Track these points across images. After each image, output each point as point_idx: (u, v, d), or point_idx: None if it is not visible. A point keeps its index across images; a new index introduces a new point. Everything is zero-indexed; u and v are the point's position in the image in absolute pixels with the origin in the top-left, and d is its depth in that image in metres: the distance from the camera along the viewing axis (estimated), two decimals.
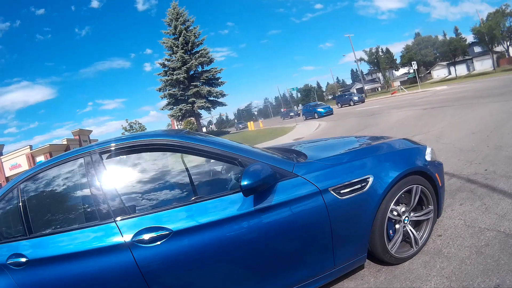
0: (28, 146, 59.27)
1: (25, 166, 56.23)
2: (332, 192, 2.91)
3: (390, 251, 3.28)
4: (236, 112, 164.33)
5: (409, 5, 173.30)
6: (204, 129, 68.14)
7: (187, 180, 3.82)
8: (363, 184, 3.03)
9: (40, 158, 56.47)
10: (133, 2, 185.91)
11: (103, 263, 2.62)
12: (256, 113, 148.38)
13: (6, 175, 57.61)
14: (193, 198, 2.90)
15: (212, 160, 3.57)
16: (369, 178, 3.07)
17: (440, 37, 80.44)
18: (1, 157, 59.51)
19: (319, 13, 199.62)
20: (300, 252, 2.97)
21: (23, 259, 2.73)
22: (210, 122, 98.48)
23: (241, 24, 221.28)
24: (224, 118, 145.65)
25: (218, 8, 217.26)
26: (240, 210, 2.72)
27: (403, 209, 3.40)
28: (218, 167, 3.95)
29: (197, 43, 47.42)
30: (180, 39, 45.87)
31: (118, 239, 2.61)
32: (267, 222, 2.77)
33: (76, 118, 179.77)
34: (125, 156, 3.25)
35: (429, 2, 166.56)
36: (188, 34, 46.31)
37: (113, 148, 3.00)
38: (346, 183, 2.97)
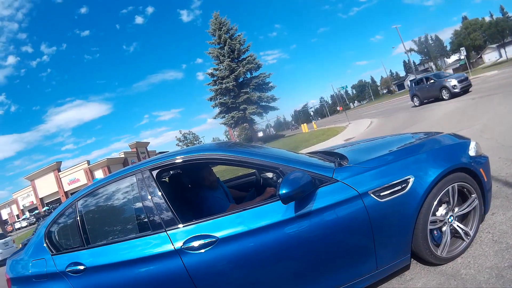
0: (86, 162, 62.30)
1: (83, 180, 59.02)
2: (372, 195, 2.90)
3: (438, 254, 3.23)
4: (293, 113, 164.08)
5: None
6: (260, 133, 68.67)
7: (236, 189, 4.30)
8: (403, 185, 2.99)
9: (98, 172, 59.09)
10: (177, 14, 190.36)
11: (155, 269, 2.86)
12: (312, 113, 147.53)
13: (65, 190, 60.78)
14: (237, 208, 3.07)
15: None
16: (409, 178, 3.02)
17: (487, 19, 76.48)
18: (60, 173, 62.51)
19: (365, 6, 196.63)
20: (342, 255, 2.99)
21: (81, 267, 3.04)
22: (268, 125, 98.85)
23: (288, 25, 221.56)
24: (282, 120, 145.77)
25: (264, 12, 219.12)
26: (282, 217, 2.81)
27: (446, 209, 3.32)
28: (269, 174, 4.17)
29: (243, 50, 48.29)
30: (226, 48, 46.87)
31: (168, 247, 2.83)
32: (308, 227, 2.82)
33: (133, 131, 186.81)
34: (175, 171, 3.84)
35: None
36: (233, 42, 47.27)
37: (161, 165, 3.23)
38: (386, 185, 2.95)
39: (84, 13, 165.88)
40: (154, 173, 3.16)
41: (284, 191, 2.64)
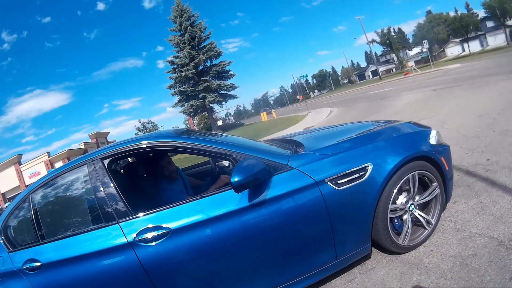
0: (46, 153, 60.40)
1: (44, 173, 56.66)
2: (329, 183, 2.86)
3: (400, 243, 3.22)
4: (253, 102, 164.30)
5: None
6: (220, 122, 68.42)
7: (193, 177, 4.25)
8: (361, 173, 2.96)
9: (59, 164, 57.36)
10: (139, 0, 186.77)
11: (109, 262, 2.76)
12: (272, 102, 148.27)
13: (26, 184, 58.71)
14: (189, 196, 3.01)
15: None
16: (368, 166, 2.99)
17: (452, 14, 78.22)
18: (20, 166, 60.59)
19: None
20: (299, 245, 2.94)
21: (37, 264, 2.91)
22: (228, 114, 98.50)
23: (251, 13, 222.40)
24: (242, 109, 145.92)
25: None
26: (236, 206, 2.74)
27: (406, 197, 3.31)
28: (225, 162, 4.10)
29: (204, 37, 47.86)
30: (186, 35, 46.37)
31: (121, 239, 2.73)
32: (263, 216, 2.77)
33: (93, 121, 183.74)
34: (124, 160, 3.72)
35: None
36: (193, 29, 46.80)
37: (112, 153, 3.10)
38: (344, 173, 2.91)
39: None
40: (106, 162, 3.05)
41: (236, 179, 2.57)
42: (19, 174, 60.36)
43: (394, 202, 3.15)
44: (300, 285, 2.96)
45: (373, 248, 3.43)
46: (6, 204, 56.55)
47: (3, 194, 62.29)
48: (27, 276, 2.94)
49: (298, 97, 73.04)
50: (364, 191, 2.96)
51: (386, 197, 3.05)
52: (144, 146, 3.07)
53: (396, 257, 3.30)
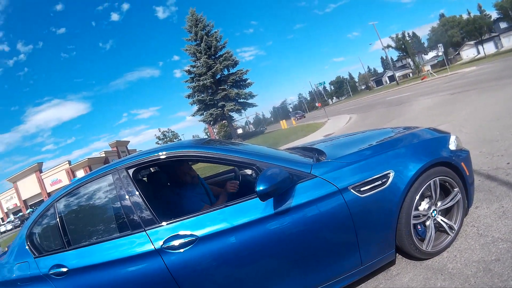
0: (67, 162, 61.48)
1: (65, 181, 58.24)
2: (352, 190, 2.88)
3: (423, 249, 3.21)
4: (272, 110, 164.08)
5: None
6: (240, 130, 68.46)
7: (216, 186, 4.33)
8: (384, 180, 2.97)
9: (80, 172, 58.35)
10: (152, 11, 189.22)
11: (137, 269, 2.82)
12: (291, 109, 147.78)
13: (48, 191, 59.85)
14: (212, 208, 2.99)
15: None
16: (390, 173, 3.00)
17: (465, 16, 77.36)
18: (41, 174, 61.57)
19: (341, 2, 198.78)
20: (324, 252, 2.96)
21: (64, 269, 2.99)
22: (247, 122, 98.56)
23: (264, 21, 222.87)
24: (261, 117, 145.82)
25: (240, 8, 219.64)
26: (261, 214, 2.78)
27: (429, 203, 3.31)
28: (248, 170, 4.21)
29: (220, 46, 48.12)
30: (202, 44, 46.79)
31: (149, 246, 2.79)
32: (288, 224, 2.80)
33: (112, 130, 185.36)
34: (151, 169, 3.84)
35: None
36: (209, 39, 47.08)
37: (136, 163, 3.19)
38: (366, 180, 2.93)
39: (59, 10, 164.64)
40: (131, 171, 3.14)
41: (261, 188, 2.61)
42: (40, 182, 61.47)
43: (416, 208, 3.15)
44: None
45: (397, 254, 3.40)
46: (28, 211, 57.42)
47: (25, 201, 63.44)
48: (53, 281, 3.03)
49: (316, 104, 72.89)
50: (386, 197, 2.97)
51: (409, 204, 3.06)
52: (169, 156, 3.15)
53: (420, 263, 3.29)
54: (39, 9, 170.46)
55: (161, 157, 3.16)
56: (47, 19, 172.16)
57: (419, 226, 3.26)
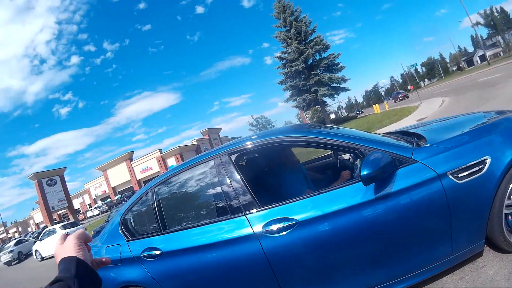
0: (158, 150, 64.39)
1: (155, 169, 60.98)
2: (450, 176, 2.84)
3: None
4: (364, 94, 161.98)
5: None
6: (332, 115, 68.01)
7: (312, 171, 4.46)
8: (481, 166, 2.89)
9: (171, 160, 60.73)
10: (237, 1, 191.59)
11: (232, 252, 2.92)
12: (383, 93, 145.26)
13: (137, 178, 62.85)
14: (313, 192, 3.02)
15: None
16: (486, 159, 2.92)
17: None
18: (132, 162, 64.51)
19: None
20: (419, 238, 2.94)
21: (157, 252, 3.18)
22: (340, 107, 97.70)
23: (351, 3, 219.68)
24: (353, 101, 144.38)
25: None
26: (362, 199, 2.79)
27: None
28: (346, 155, 4.30)
29: (310, 31, 47.82)
30: (292, 30, 46.69)
31: (248, 230, 2.88)
32: (387, 209, 2.79)
33: (204, 118, 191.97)
34: (252, 155, 3.91)
35: None
36: (298, 24, 46.92)
37: (240, 149, 3.31)
38: (464, 166, 2.87)
39: (143, 8, 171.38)
40: (233, 157, 3.25)
41: (365, 172, 2.63)
42: (131, 170, 65.12)
43: (509, 198, 3.04)
44: (417, 279, 2.94)
45: (485, 245, 3.29)
46: (117, 197, 60.41)
47: (114, 188, 67.32)
48: (144, 263, 3.22)
49: (408, 87, 70.62)
50: (482, 184, 2.88)
51: (503, 192, 2.96)
52: (274, 141, 3.22)
53: (507, 256, 3.19)
54: (121, 9, 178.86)
55: (264, 143, 3.26)
56: (131, 18, 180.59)
57: (510, 217, 3.14)
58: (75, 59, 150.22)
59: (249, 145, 3.27)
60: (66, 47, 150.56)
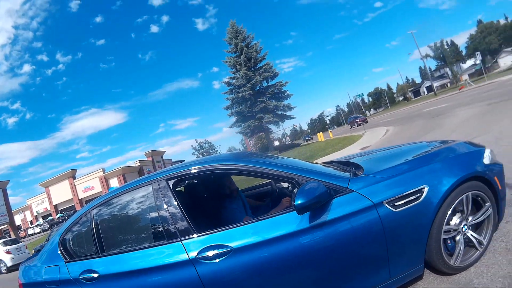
0: (101, 169, 63.19)
1: (98, 188, 59.81)
2: (386, 205, 2.90)
3: (451, 264, 3.22)
4: (309, 122, 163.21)
5: None
6: (277, 142, 68.26)
7: (252, 199, 4.48)
8: (418, 195, 2.98)
9: (114, 180, 59.79)
10: (192, 23, 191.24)
11: (168, 278, 2.88)
12: (328, 121, 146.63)
13: (80, 197, 61.65)
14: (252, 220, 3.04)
15: None
16: (424, 188, 3.00)
17: (502, 21, 75.66)
18: (74, 180, 63.34)
19: (379, 11, 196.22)
20: (356, 266, 2.98)
21: (95, 275, 3.08)
22: (284, 134, 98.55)
23: (304, 32, 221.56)
24: (298, 129, 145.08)
25: (279, 20, 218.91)
26: (296, 227, 2.81)
27: (460, 218, 3.29)
28: (285, 184, 4.22)
29: (260, 58, 48.18)
30: (242, 56, 46.99)
31: (183, 256, 2.85)
32: (322, 238, 2.82)
33: (148, 139, 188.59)
34: (192, 181, 3.87)
35: None
36: (249, 50, 47.14)
37: (178, 175, 3.26)
38: (401, 195, 2.94)
39: (99, 22, 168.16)
40: (171, 182, 3.20)
41: (299, 202, 2.66)
42: (73, 188, 63.35)
43: (448, 223, 3.15)
44: None
45: (425, 269, 3.38)
46: (58, 215, 58.78)
47: (56, 206, 65.29)
48: (83, 286, 3.13)
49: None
50: (419, 212, 2.98)
51: (441, 218, 3.06)
52: (210, 169, 3.24)
53: (447, 278, 3.28)
54: (79, 20, 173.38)
55: (202, 169, 3.25)
56: (86, 31, 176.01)
57: (448, 241, 3.26)
58: (27, 68, 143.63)
59: (186, 171, 3.25)
60: (20, 53, 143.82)
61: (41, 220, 63.54)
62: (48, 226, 53.57)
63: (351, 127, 54.61)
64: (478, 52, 49.67)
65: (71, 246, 3.48)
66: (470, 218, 3.35)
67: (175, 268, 2.86)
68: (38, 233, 53.30)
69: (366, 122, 49.34)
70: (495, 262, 3.26)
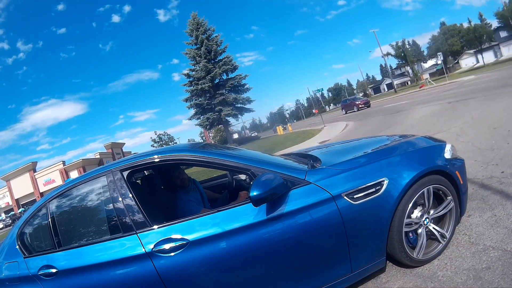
0: (61, 162, 61.53)
1: (58, 181, 58.22)
2: (345, 197, 2.88)
3: (414, 256, 3.22)
4: (268, 115, 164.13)
5: None
6: (236, 135, 68.26)
7: (211, 191, 4.51)
8: (377, 188, 2.98)
9: (74, 173, 58.34)
10: (154, 14, 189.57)
11: (126, 272, 2.81)
12: (288, 115, 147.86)
13: (41, 191, 59.85)
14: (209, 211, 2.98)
15: None
16: (383, 181, 3.00)
17: (465, 25, 77.86)
18: (35, 173, 61.55)
19: (343, 9, 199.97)
20: (315, 258, 2.95)
21: (53, 270, 2.99)
22: (243, 128, 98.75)
23: (266, 27, 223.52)
24: (257, 122, 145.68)
25: (241, 13, 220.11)
26: (253, 219, 2.77)
27: (421, 211, 3.31)
28: (243, 176, 4.22)
29: (220, 51, 48.08)
30: (202, 48, 46.75)
31: (139, 249, 2.78)
32: (280, 230, 2.79)
33: (108, 131, 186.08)
34: (148, 173, 3.87)
35: None
36: (209, 43, 47.04)
37: (131, 166, 3.17)
38: (360, 187, 2.94)
39: (61, 10, 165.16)
40: (125, 173, 3.12)
41: (255, 193, 2.60)
42: (34, 181, 61.52)
43: (409, 216, 3.15)
44: None
45: (387, 261, 3.42)
46: (20, 210, 57.30)
47: (17, 200, 63.39)
48: (42, 282, 3.03)
49: (313, 111, 72.39)
50: (380, 205, 2.97)
51: (401, 211, 3.06)
52: (163, 159, 3.15)
53: (410, 270, 3.29)
54: (40, 8, 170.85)
55: (156, 160, 3.17)
56: (48, 19, 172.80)
57: (410, 234, 3.27)
58: None
59: (141, 161, 3.18)
60: None
61: (3, 215, 61.24)
62: (10, 221, 51.98)
63: (346, 112, 45.37)
64: (440, 53, 50.91)
65: (29, 241, 3.37)
66: (431, 212, 3.38)
67: (132, 262, 2.80)
68: (1, 228, 51.30)
69: (369, 106, 41.93)
70: (458, 255, 3.28)
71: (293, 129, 47.19)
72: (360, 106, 42.83)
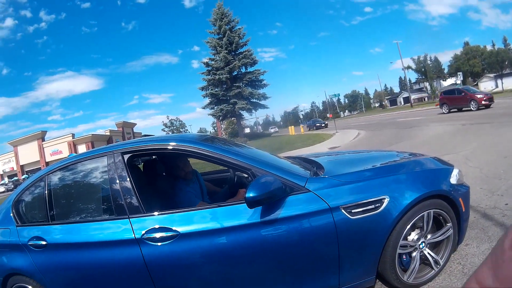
0: (71, 134, 62.21)
1: (65, 153, 58.58)
2: (343, 210, 2.81)
3: (404, 280, 3.15)
4: (282, 114, 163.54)
5: (460, 11, 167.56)
6: (248, 130, 68.18)
7: (212, 184, 4.47)
8: (377, 205, 2.89)
9: (82, 147, 58.91)
10: None
11: (113, 254, 2.83)
12: (302, 116, 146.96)
13: (47, 160, 60.48)
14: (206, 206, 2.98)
15: None
16: (384, 199, 2.92)
17: (489, 47, 76.91)
18: (43, 142, 62.12)
19: (368, 16, 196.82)
20: (304, 268, 2.91)
21: (43, 242, 3.03)
22: (256, 123, 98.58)
23: (290, 25, 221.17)
24: (271, 119, 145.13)
25: (267, 8, 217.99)
26: (247, 220, 2.74)
27: (418, 234, 3.23)
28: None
29: (241, 44, 48.13)
30: (224, 39, 46.71)
31: (129, 234, 2.78)
32: (271, 234, 2.75)
33: (121, 110, 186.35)
34: (150, 158, 3.86)
35: (480, 9, 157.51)
36: (232, 34, 47.10)
37: (133, 149, 3.17)
38: (359, 202, 2.86)
39: None
40: (126, 157, 3.10)
41: (251, 195, 2.55)
42: (41, 150, 62.38)
43: (405, 238, 3.09)
44: None
45: (377, 280, 3.33)
46: (23, 176, 57.85)
47: (22, 166, 64.19)
48: (31, 252, 3.07)
49: (328, 115, 71.99)
50: (377, 223, 2.90)
51: (398, 232, 2.99)
52: (166, 147, 3.16)
53: None
54: None
55: (157, 147, 3.18)
56: None
57: (404, 256, 3.19)
58: (9, 22, 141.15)
59: (144, 147, 3.16)
60: (4, 6, 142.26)
61: (6, 180, 62.08)
62: (12, 186, 52.59)
63: (309, 130, 51.93)
64: (460, 72, 50.61)
65: (24, 210, 3.42)
66: (429, 236, 3.30)
67: (121, 246, 2.81)
68: (2, 192, 52.14)
69: (327, 127, 48.40)
70: (449, 284, 3.22)
71: (305, 131, 47.01)
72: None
